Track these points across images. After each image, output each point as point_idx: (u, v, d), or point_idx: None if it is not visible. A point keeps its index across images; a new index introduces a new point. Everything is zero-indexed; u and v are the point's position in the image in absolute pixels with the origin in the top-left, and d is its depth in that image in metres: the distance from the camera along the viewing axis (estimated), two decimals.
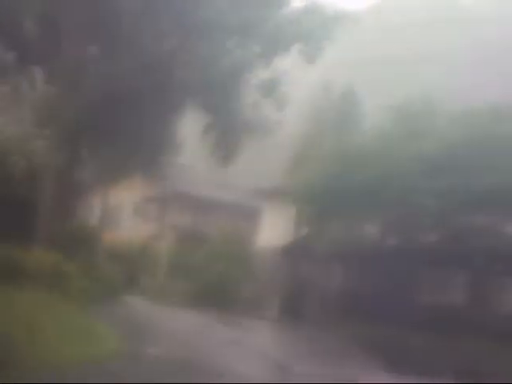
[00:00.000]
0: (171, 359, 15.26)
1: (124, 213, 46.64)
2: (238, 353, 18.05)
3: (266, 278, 35.60)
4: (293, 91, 30.01)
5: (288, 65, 29.16)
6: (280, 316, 31.80)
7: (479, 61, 66.23)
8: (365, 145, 31.44)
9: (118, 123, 28.68)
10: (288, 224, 36.76)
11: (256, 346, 20.70)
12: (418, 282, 30.81)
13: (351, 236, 32.09)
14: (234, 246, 37.29)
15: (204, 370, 14.59)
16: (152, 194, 45.74)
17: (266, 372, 15.50)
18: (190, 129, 31.64)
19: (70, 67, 26.87)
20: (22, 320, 14.04)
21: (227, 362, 15.83)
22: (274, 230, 37.73)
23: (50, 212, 27.01)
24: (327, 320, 30.42)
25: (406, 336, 25.97)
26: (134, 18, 26.60)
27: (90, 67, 27.35)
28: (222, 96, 28.88)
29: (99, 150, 31.71)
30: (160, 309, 28.97)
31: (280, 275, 35.78)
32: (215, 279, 34.35)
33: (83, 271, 23.96)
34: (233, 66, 28.62)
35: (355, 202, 29.32)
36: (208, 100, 29.53)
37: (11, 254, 20.39)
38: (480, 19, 76.03)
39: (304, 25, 28.51)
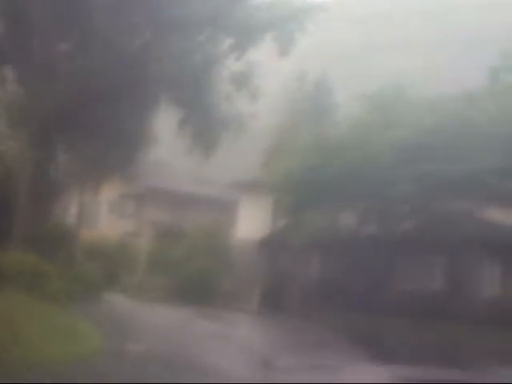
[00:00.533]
0: (153, 355, 15.22)
1: (101, 210, 46.43)
2: (219, 346, 18.06)
3: (245, 271, 35.62)
4: (266, 83, 30.04)
5: (261, 56, 29.14)
6: (260, 308, 31.86)
7: (445, 48, 66.70)
8: (340, 135, 31.54)
9: (92, 120, 28.53)
10: (266, 216, 36.80)
11: (237, 339, 20.72)
12: (396, 269, 31.03)
13: (329, 226, 32.18)
14: (212, 240, 37.27)
15: (186, 365, 14.58)
16: (129, 191, 45.56)
17: (248, 365, 15.50)
18: (164, 124, 31.53)
19: (41, 65, 26.66)
20: (2, 321, 13.93)
21: (209, 356, 15.83)
22: (251, 223, 37.76)
23: (26, 212, 26.83)
24: (307, 311, 30.50)
25: (386, 324, 26.12)
26: (107, 13, 26.42)
27: (63, 64, 27.13)
28: (195, 90, 28.84)
29: (74, 147, 31.53)
30: (140, 305, 28.89)
31: (259, 267, 35.83)
32: (195, 274, 34.31)
33: (62, 270, 23.82)
34: (205, 60, 28.62)
35: (332, 193, 29.44)
36: (182, 94, 29.47)
37: None
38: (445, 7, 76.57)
39: (275, 14, 28.56)
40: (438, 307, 27.70)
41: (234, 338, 20.63)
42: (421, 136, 27.88)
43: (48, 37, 27.03)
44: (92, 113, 28.12)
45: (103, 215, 46.40)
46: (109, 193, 40.80)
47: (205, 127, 29.94)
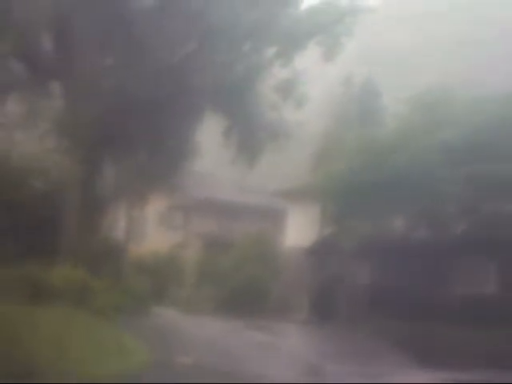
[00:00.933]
0: (203, 367, 15.09)
1: (149, 223, 46.61)
2: (269, 357, 17.86)
3: (294, 280, 35.34)
4: (312, 88, 29.84)
5: (306, 63, 28.94)
6: (309, 317, 31.54)
7: (498, 48, 65.63)
8: (386, 137, 31.15)
9: (137, 133, 28.65)
10: (314, 223, 36.49)
11: (287, 348, 20.50)
12: (450, 273, 30.38)
13: (378, 231, 31.74)
14: (260, 249, 37.08)
15: (234, 375, 14.42)
16: (176, 203, 45.66)
17: (300, 374, 15.26)
18: (209, 134, 31.50)
19: (86, 80, 26.86)
20: (52, 337, 13.99)
21: (259, 367, 15.66)
22: (300, 231, 37.49)
23: (74, 227, 27.00)
24: (358, 318, 30.07)
25: (440, 329, 25.59)
26: (149, 26, 26.57)
27: (107, 78, 27.32)
28: (239, 99, 28.76)
29: (120, 161, 31.70)
30: (190, 317, 28.84)
31: (308, 275, 35.50)
32: (243, 284, 34.16)
33: (110, 285, 23.87)
34: (249, 69, 28.53)
35: (380, 196, 29.00)
36: (225, 104, 29.43)
37: (37, 272, 20.42)
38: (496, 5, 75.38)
39: (320, 19, 28.37)
40: (491, 311, 26.98)
41: (282, 348, 20.42)
42: (469, 136, 27.38)
43: (92, 52, 27.26)
44: (136, 125, 28.24)
45: (151, 228, 46.54)
46: (156, 205, 40.91)
47: (249, 136, 29.84)
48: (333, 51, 28.24)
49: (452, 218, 29.58)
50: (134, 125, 28.23)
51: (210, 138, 31.14)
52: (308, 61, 28.58)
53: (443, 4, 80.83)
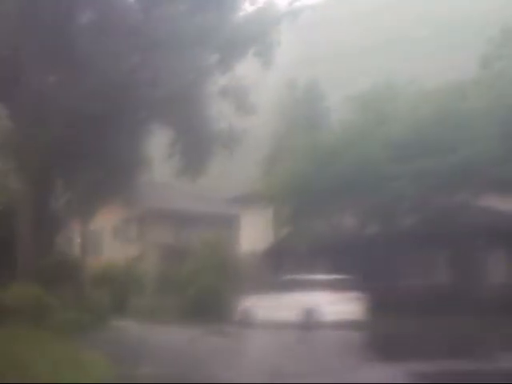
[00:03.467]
0: (166, 376, 15.16)
1: (105, 237, 46.48)
2: (230, 362, 17.96)
3: (252, 283, 35.48)
4: (258, 93, 30.06)
5: (248, 68, 29.20)
6: None
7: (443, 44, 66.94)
8: (334, 138, 31.55)
9: (87, 147, 28.59)
10: (268, 227, 36.73)
11: (247, 353, 20.64)
12: (402, 267, 30.94)
13: (331, 230, 32.12)
14: (217, 255, 37.20)
15: (198, 382, 14.55)
16: (130, 215, 45.62)
17: (260, 377, 15.46)
18: (158, 145, 31.61)
19: (31, 100, 26.77)
20: (8, 357, 13.90)
21: (222, 372, 15.77)
22: (254, 235, 37.70)
23: (29, 246, 26.89)
24: None
25: (395, 322, 26.03)
26: (91, 41, 26.55)
27: (53, 96, 27.22)
28: (185, 109, 28.89)
29: (72, 178, 31.62)
30: (150, 328, 28.80)
31: (265, 279, 35.67)
32: (203, 291, 34.21)
33: (68, 302, 23.84)
34: (193, 78, 28.64)
35: (331, 196, 29.39)
36: (173, 115, 29.53)
37: None
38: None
39: (259, 25, 28.63)
40: (445, 301, 27.55)
41: (242, 353, 20.55)
42: (414, 130, 27.89)
43: (37, 70, 27.15)
44: (86, 141, 28.22)
45: (107, 241, 46.45)
46: (111, 218, 40.90)
47: (195, 146, 29.98)
48: (269, 56, 28.54)
49: (401, 213, 30.08)
50: (83, 141, 28.19)
51: (162, 148, 31.24)
52: (250, 66, 28.86)
53: (380, 3, 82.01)
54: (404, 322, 26.08)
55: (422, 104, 29.27)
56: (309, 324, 26.33)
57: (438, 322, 25.30)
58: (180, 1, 28.51)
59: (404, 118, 29.11)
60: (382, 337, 23.78)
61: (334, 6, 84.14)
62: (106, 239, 46.54)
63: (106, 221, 40.02)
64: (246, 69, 29.34)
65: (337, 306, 26.30)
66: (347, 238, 31.76)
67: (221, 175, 34.50)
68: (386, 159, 28.12)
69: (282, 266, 36.09)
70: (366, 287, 26.93)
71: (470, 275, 29.38)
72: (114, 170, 30.64)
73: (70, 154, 29.01)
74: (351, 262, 32.52)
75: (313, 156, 30.71)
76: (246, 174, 45.21)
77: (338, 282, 27.45)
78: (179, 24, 27.12)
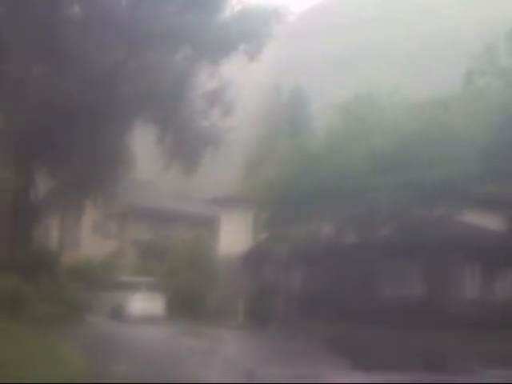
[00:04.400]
0: (140, 375, 15.15)
1: (84, 231, 46.27)
2: (205, 363, 18.02)
3: (229, 286, 35.58)
4: (243, 96, 30.13)
5: (234, 68, 29.30)
6: (245, 323, 31.79)
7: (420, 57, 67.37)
8: (317, 145, 31.65)
9: (69, 142, 28.51)
10: (247, 230, 36.79)
11: (223, 354, 20.70)
12: (378, 277, 31.11)
13: (309, 237, 32.23)
14: (195, 255, 37.23)
15: (173, 381, 14.58)
16: (110, 211, 45.44)
17: (234, 377, 15.55)
18: (145, 142, 31.56)
19: (14, 89, 26.65)
20: None
21: (196, 373, 15.83)
22: (234, 238, 37.72)
23: (7, 237, 26.76)
24: (292, 322, 30.47)
25: (369, 332, 26.14)
26: (77, 33, 26.50)
27: (36, 86, 27.09)
28: (170, 107, 28.91)
29: (53, 170, 31.47)
30: (125, 325, 28.79)
31: (242, 281, 35.78)
32: (179, 291, 34.22)
33: (43, 294, 23.74)
34: (179, 77, 28.68)
35: (311, 203, 29.49)
36: (157, 112, 29.53)
37: None
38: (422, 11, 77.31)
39: (245, 25, 28.74)
40: (419, 314, 27.69)
41: (218, 353, 20.60)
42: (396, 142, 28.04)
43: (21, 60, 27.04)
44: (68, 135, 28.13)
45: (86, 236, 46.24)
46: (91, 214, 40.70)
47: (181, 144, 30.00)
48: (256, 52, 28.72)
49: (379, 223, 30.27)
50: (66, 134, 28.09)
51: (145, 145, 31.19)
52: (234, 67, 28.97)
53: (371, 13, 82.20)
54: (374, 332, 26.27)
55: (405, 116, 29.45)
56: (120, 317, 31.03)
57: (405, 334, 25.44)
58: (167, 0, 28.62)
59: (386, 129, 29.25)
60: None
61: (322, 15, 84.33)
62: (85, 234, 46.35)
63: (86, 215, 39.83)
64: (232, 70, 29.44)
65: (143, 303, 32.23)
66: (325, 246, 31.85)
67: (203, 176, 34.41)
68: (366, 169, 28.24)
69: (259, 270, 36.23)
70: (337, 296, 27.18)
71: (443, 288, 29.60)
72: (96, 165, 30.49)
73: (52, 146, 28.92)
74: (326, 270, 32.79)
75: (294, 161, 30.81)
76: (228, 176, 45.25)
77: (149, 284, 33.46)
78: (166, 21, 27.16)
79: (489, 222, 29.62)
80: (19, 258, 26.87)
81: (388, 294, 30.36)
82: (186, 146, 30.10)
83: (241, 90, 29.55)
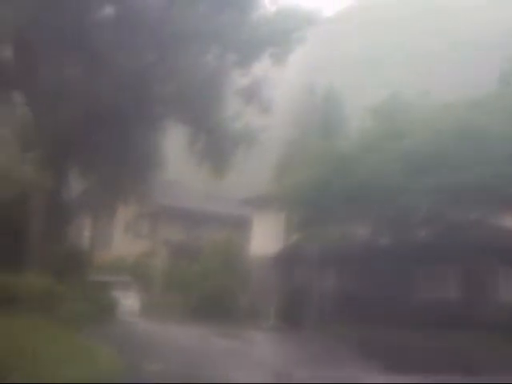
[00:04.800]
0: (172, 374, 15.13)
1: (116, 231, 46.52)
2: (237, 364, 17.95)
3: (261, 287, 35.51)
4: (276, 97, 30.03)
5: (266, 69, 29.23)
6: (277, 324, 31.70)
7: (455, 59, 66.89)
8: (349, 146, 31.44)
9: (102, 143, 28.68)
10: (279, 231, 36.69)
11: (255, 355, 20.60)
12: (413, 279, 30.80)
13: (342, 239, 32.02)
14: (227, 256, 37.21)
15: (203, 381, 14.53)
16: (143, 211, 45.65)
17: (265, 379, 15.46)
18: (177, 142, 31.60)
19: (48, 90, 26.82)
20: (17, 345, 13.92)
21: (228, 374, 15.76)
22: (265, 239, 37.67)
23: (41, 236, 26.96)
24: (324, 324, 30.31)
25: (405, 335, 25.90)
26: (110, 36, 26.61)
27: (70, 88, 27.26)
28: (202, 108, 28.90)
29: (86, 169, 31.68)
30: (157, 324, 28.82)
31: (274, 283, 35.70)
32: (210, 292, 34.23)
33: (77, 293, 23.85)
34: (211, 77, 28.66)
35: (344, 205, 29.27)
36: (189, 113, 29.54)
37: (3, 280, 20.32)
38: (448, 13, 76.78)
39: (278, 27, 28.63)
40: (454, 316, 27.39)
41: (251, 355, 20.50)
42: (431, 143, 27.70)
43: (55, 61, 27.24)
44: (100, 135, 28.30)
45: (118, 236, 46.48)
46: (123, 213, 40.92)
47: (214, 144, 29.98)
48: (284, 57, 28.60)
49: (414, 225, 29.96)
50: (99, 135, 28.26)
51: (177, 146, 31.22)
52: (266, 68, 28.89)
53: (401, 15, 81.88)
54: (409, 334, 26.01)
55: (440, 117, 29.12)
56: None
57: (442, 335, 25.18)
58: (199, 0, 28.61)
59: (419, 130, 28.94)
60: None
61: (350, 18, 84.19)
62: (117, 234, 46.58)
63: (118, 215, 40.07)
64: (265, 70, 29.36)
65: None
66: (359, 248, 31.62)
67: (235, 176, 34.39)
68: (400, 170, 27.96)
69: (291, 271, 36.12)
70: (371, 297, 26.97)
71: (478, 291, 29.24)
72: (128, 165, 30.65)
73: (85, 146, 29.10)
74: (358, 272, 32.54)
75: (327, 163, 30.61)
76: (261, 177, 45.22)
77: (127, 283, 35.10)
78: (198, 22, 27.15)
79: None
80: (52, 257, 27.04)
81: (422, 296, 30.06)
82: (218, 146, 30.08)
83: (274, 89, 29.43)
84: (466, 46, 68.91)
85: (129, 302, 33.67)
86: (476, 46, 66.48)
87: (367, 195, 28.52)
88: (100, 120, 27.68)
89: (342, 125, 42.12)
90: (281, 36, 28.58)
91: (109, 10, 28.85)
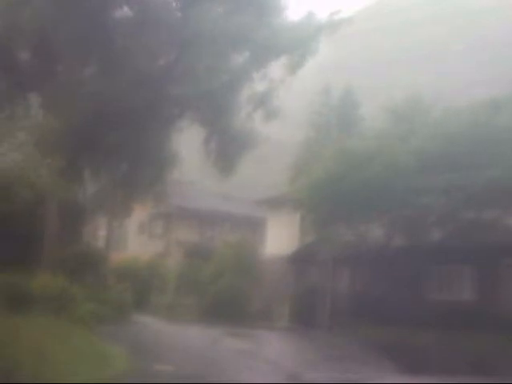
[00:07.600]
0: (184, 375, 15.16)
1: (130, 232, 46.66)
2: (250, 365, 17.95)
3: (275, 288, 35.48)
4: (291, 98, 29.98)
5: (280, 72, 29.18)
6: (290, 325, 31.68)
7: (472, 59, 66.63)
8: (365, 147, 31.33)
9: (117, 143, 28.72)
10: (293, 232, 36.65)
11: (268, 356, 20.59)
12: (427, 280, 30.64)
13: (357, 239, 31.94)
14: (241, 257, 37.21)
15: (215, 382, 14.55)
16: (157, 211, 45.77)
17: (278, 380, 15.45)
18: (192, 143, 31.65)
19: (65, 91, 26.92)
20: (31, 345, 13.98)
21: (240, 375, 15.77)
22: (280, 239, 37.64)
23: (56, 236, 27.07)
24: (338, 325, 30.26)
25: (418, 335, 25.80)
26: (129, 36, 26.69)
27: (87, 88, 27.35)
28: (218, 109, 28.92)
29: (101, 169, 31.78)
30: (170, 325, 28.90)
31: (288, 284, 35.67)
32: (224, 292, 34.25)
33: (91, 293, 23.95)
34: (228, 79, 28.66)
35: (359, 205, 29.20)
36: (204, 114, 29.58)
37: (17, 280, 20.40)
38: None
39: (296, 35, 28.53)
40: (471, 316, 27.21)
41: (264, 356, 20.48)
42: (446, 144, 27.60)
43: (71, 62, 27.35)
44: (116, 135, 28.34)
45: (132, 236, 46.64)
46: (137, 214, 41.01)
47: (228, 145, 30.01)
48: (296, 65, 28.49)
49: (429, 226, 29.82)
50: (115, 135, 28.32)
51: (192, 147, 31.27)
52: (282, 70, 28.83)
53: (418, 16, 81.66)
54: (425, 335, 25.90)
55: (455, 117, 29.01)
56: None
57: (453, 337, 25.05)
58: (219, 1, 28.56)
59: (435, 131, 28.85)
60: None
61: (369, 19, 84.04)
62: (132, 234, 46.74)
63: (133, 216, 40.17)
64: (280, 71, 29.32)
65: None
66: (373, 248, 31.51)
67: (251, 177, 34.45)
68: (415, 171, 27.87)
69: (305, 272, 36.05)
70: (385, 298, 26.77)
71: (493, 293, 29.03)
72: (143, 166, 30.73)
73: (101, 146, 29.17)
74: (373, 273, 32.41)
75: (342, 163, 30.52)
76: (276, 178, 45.19)
77: None
78: (216, 23, 27.15)
79: None
80: (66, 257, 27.17)
81: (437, 297, 29.88)
82: (233, 147, 30.10)
83: (290, 90, 29.35)
84: (483, 47, 68.66)
85: None
86: (493, 47, 66.23)
87: (382, 195, 28.44)
88: (116, 120, 27.75)
89: (359, 125, 42.02)
90: (298, 43, 28.47)
91: (128, 9, 28.95)
